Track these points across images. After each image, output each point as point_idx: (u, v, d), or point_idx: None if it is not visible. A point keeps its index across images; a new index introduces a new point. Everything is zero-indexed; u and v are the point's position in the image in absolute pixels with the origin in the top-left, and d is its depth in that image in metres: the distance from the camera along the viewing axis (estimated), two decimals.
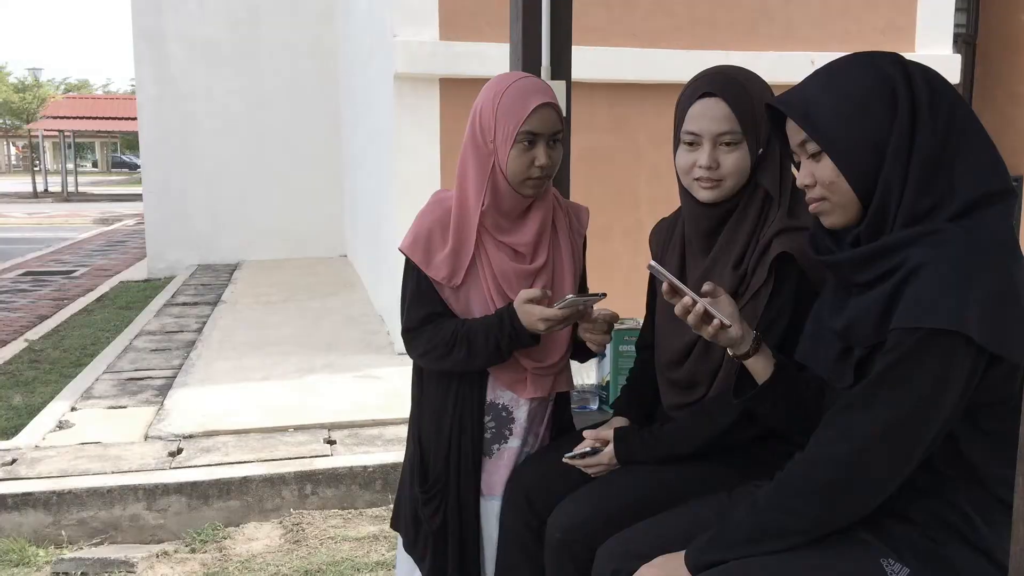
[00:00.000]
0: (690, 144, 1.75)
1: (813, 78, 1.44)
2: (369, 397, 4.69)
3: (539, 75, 2.47)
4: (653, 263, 1.59)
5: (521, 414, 2.03)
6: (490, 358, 1.92)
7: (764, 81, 1.80)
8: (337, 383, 4.99)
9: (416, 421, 2.07)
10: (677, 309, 1.55)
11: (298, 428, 4.20)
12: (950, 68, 5.94)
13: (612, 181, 5.62)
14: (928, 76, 1.39)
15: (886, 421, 1.31)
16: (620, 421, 1.96)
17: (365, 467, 3.72)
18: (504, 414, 2.02)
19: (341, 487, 3.68)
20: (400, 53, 5.29)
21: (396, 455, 3.73)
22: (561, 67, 2.45)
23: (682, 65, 5.90)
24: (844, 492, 1.36)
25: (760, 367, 1.58)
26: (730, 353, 1.59)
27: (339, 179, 10.31)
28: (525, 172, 1.86)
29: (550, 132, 1.86)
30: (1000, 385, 1.32)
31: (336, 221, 10.39)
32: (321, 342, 6.03)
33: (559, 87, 2.44)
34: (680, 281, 1.57)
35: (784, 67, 4.80)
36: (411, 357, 2.04)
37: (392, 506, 2.21)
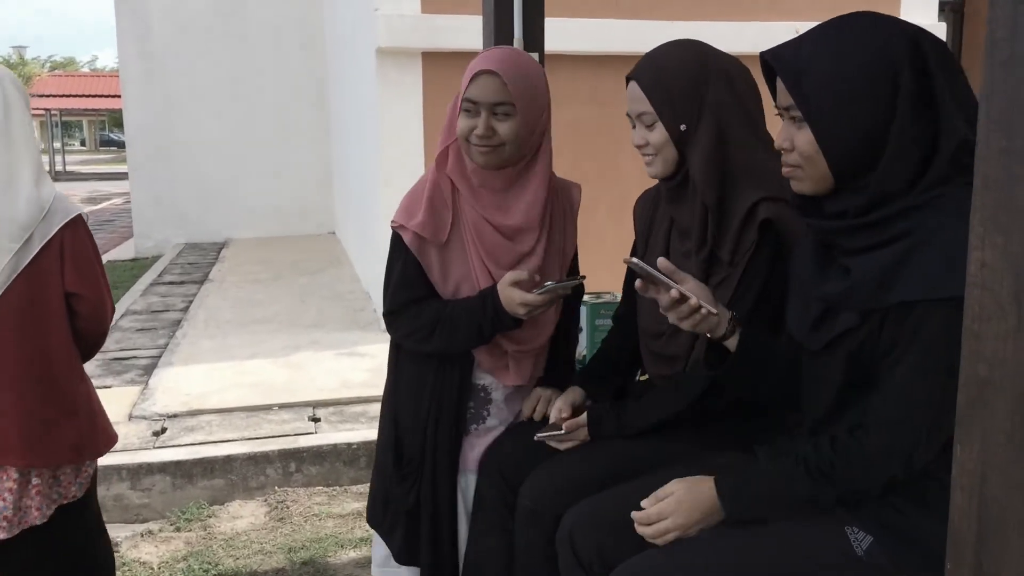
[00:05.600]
0: (633, 127, 1.80)
1: (815, 39, 1.35)
2: (354, 374, 4.69)
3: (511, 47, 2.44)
4: (632, 259, 1.58)
5: (499, 395, 2.03)
6: (472, 340, 1.91)
7: (699, 51, 1.76)
8: (323, 360, 4.98)
9: (391, 400, 2.07)
10: (664, 305, 1.52)
11: (283, 406, 4.20)
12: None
13: (597, 155, 5.58)
14: (940, 53, 1.31)
15: (936, 392, 1.25)
16: (576, 392, 1.96)
17: (349, 444, 3.73)
18: (483, 394, 2.03)
19: (325, 464, 3.69)
20: (382, 27, 5.23)
21: None
22: (533, 39, 2.42)
23: (664, 37, 5.85)
24: (902, 464, 1.31)
25: (735, 344, 1.57)
26: (708, 336, 1.56)
27: (327, 156, 10.25)
28: (466, 138, 1.86)
29: (489, 101, 1.82)
30: None
31: (324, 198, 10.34)
32: (308, 319, 6.02)
33: None
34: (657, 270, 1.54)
35: (768, 38, 4.73)
36: (394, 338, 2.04)
37: None
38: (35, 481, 1.98)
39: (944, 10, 6.70)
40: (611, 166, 5.61)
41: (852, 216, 1.34)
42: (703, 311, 1.49)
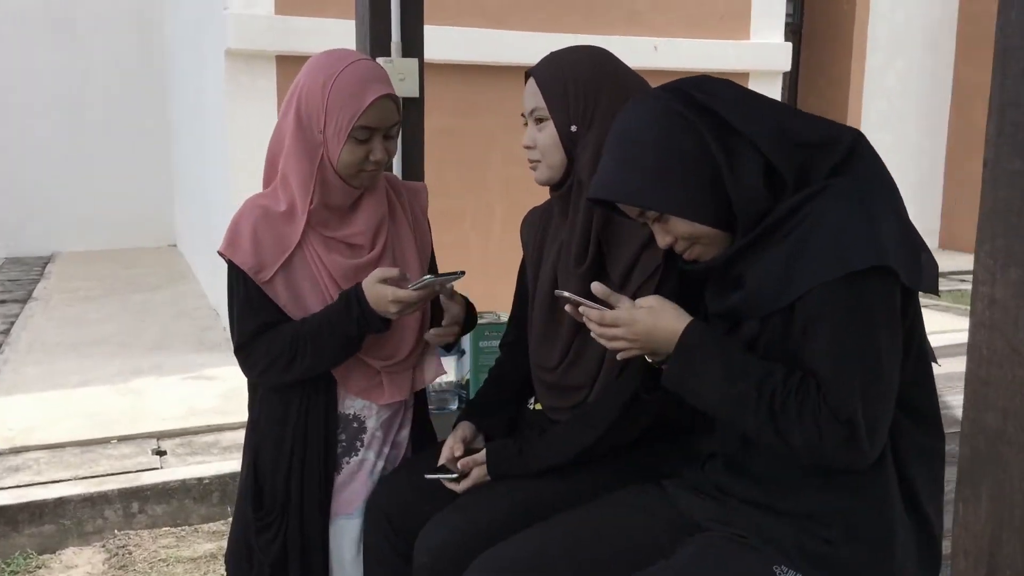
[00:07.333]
0: (525, 125, 1.68)
1: (613, 151, 1.39)
2: (203, 400, 4.33)
3: (388, 52, 2.26)
4: (560, 291, 1.49)
5: (373, 423, 1.85)
6: (341, 352, 1.72)
7: (601, 57, 1.67)
8: (167, 386, 4.59)
9: (251, 441, 1.85)
10: (594, 330, 1.43)
11: (122, 439, 3.81)
12: (783, 55, 6.15)
13: (464, 165, 5.46)
14: (702, 85, 1.38)
15: (859, 377, 1.23)
16: (466, 427, 1.80)
17: (200, 479, 3.41)
18: (355, 424, 1.83)
19: (173, 502, 3.36)
20: (231, 27, 4.92)
21: (234, 463, 3.43)
22: (413, 44, 2.25)
23: (531, 47, 5.78)
24: (843, 436, 1.24)
25: None
26: (649, 360, 1.47)
27: (167, 163, 9.60)
28: (359, 166, 1.69)
29: (387, 125, 1.69)
30: (908, 341, 1.29)
31: (164, 208, 9.68)
32: (148, 340, 5.56)
33: (411, 65, 2.25)
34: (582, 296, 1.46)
35: (629, 52, 4.77)
36: (250, 377, 1.81)
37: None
38: None
39: (785, 31, 7.02)
40: (478, 179, 5.51)
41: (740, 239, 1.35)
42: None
